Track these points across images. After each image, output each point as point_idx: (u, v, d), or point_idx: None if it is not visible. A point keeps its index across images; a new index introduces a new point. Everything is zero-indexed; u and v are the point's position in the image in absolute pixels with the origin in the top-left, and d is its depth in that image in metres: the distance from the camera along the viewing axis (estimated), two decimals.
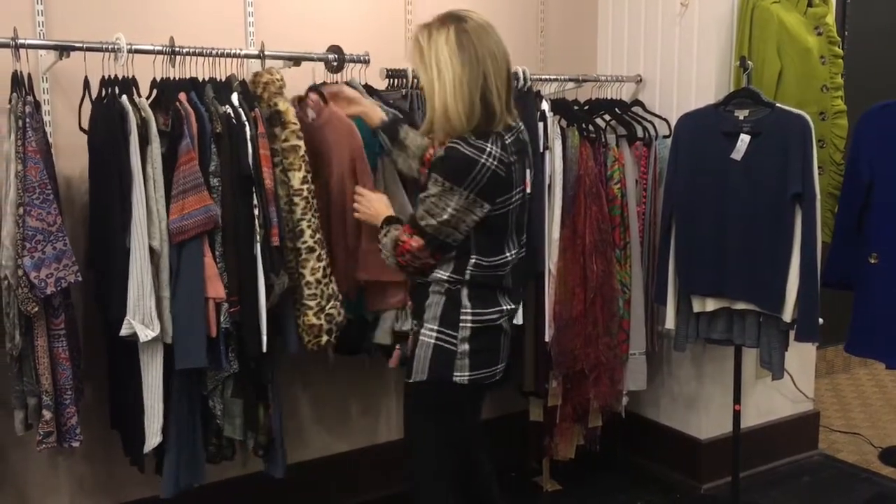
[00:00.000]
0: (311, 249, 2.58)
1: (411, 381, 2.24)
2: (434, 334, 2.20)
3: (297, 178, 2.56)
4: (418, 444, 2.32)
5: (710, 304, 3.04)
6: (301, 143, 2.58)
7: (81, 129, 2.52)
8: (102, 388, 2.71)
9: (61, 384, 2.37)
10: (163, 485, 2.53)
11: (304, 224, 2.57)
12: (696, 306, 3.07)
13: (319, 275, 2.58)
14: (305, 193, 2.56)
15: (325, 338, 2.61)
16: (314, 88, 2.68)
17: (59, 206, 2.34)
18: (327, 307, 2.59)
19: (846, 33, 4.47)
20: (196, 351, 2.41)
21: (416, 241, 2.17)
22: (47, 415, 2.34)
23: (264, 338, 2.53)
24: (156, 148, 2.40)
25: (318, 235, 2.58)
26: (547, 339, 3.10)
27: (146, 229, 2.37)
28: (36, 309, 2.28)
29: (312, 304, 2.58)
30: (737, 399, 3.18)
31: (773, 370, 2.99)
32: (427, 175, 2.22)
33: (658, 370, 3.60)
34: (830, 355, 4.98)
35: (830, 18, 3.22)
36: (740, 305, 2.99)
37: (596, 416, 3.31)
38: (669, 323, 3.14)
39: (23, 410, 2.39)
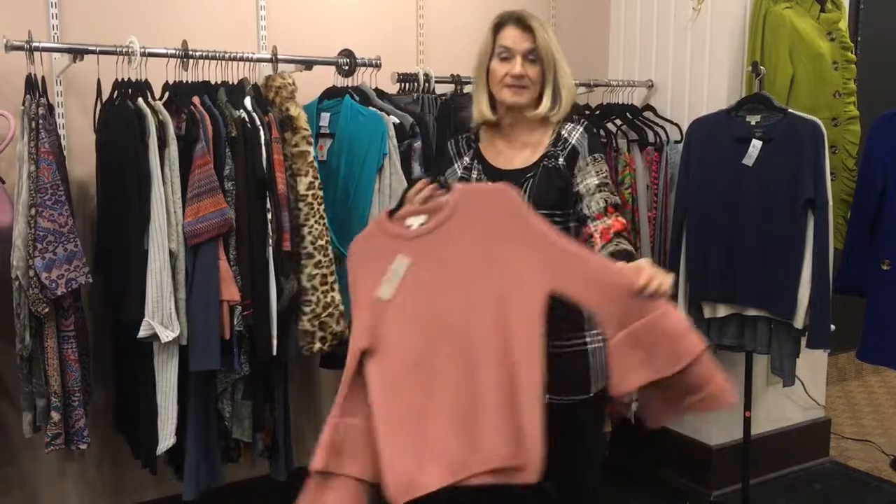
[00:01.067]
0: (309, 256, 2.58)
1: (591, 394, 2.09)
2: (599, 337, 2.07)
3: (303, 183, 2.57)
4: (595, 455, 2.21)
5: (721, 310, 3.02)
6: (310, 148, 2.58)
7: (96, 132, 2.53)
8: (111, 390, 2.71)
9: (70, 386, 2.37)
10: (185, 488, 2.52)
11: (306, 230, 2.58)
12: (707, 312, 3.05)
13: (317, 281, 2.57)
14: (310, 199, 2.56)
15: (317, 345, 2.59)
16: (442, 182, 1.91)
17: (70, 207, 2.35)
18: (322, 315, 2.58)
19: (859, 39, 4.45)
20: (211, 353, 2.42)
21: (624, 218, 2.12)
22: (55, 416, 2.34)
23: (275, 341, 2.53)
24: (173, 150, 2.41)
25: (319, 242, 2.58)
26: None
27: (165, 231, 2.37)
28: (46, 310, 2.28)
29: (307, 310, 2.57)
30: (747, 405, 3.17)
31: (784, 377, 2.98)
32: (572, 160, 2.12)
33: None
34: (842, 362, 4.95)
35: (843, 24, 3.21)
36: (751, 311, 2.97)
37: (605, 422, 3.30)
38: None
39: (31, 412, 2.39)
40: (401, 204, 1.94)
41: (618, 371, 1.69)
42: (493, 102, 2.16)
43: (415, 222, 1.85)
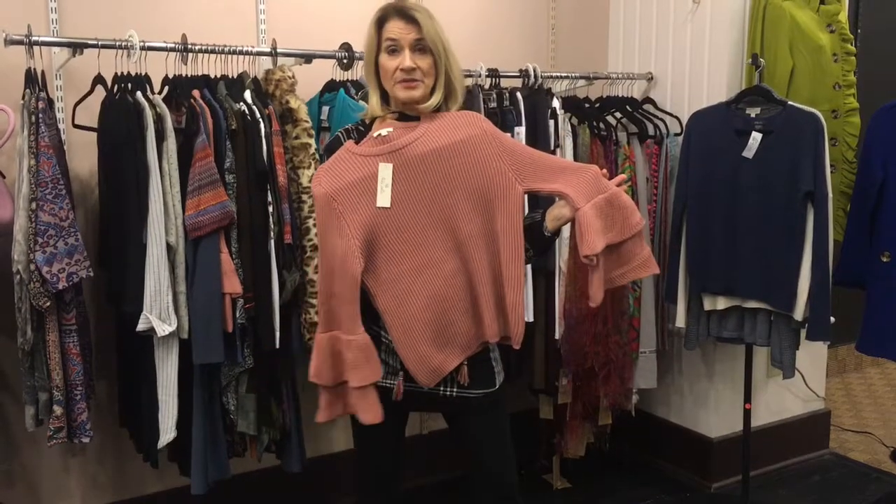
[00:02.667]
0: (316, 247, 2.58)
1: (497, 387, 2.14)
2: (495, 354, 2.17)
3: (306, 175, 2.57)
4: (510, 442, 2.22)
5: (721, 303, 3.03)
6: (312, 140, 2.58)
7: (75, 125, 2.51)
8: (114, 384, 2.72)
9: (72, 380, 2.38)
10: (193, 482, 2.53)
11: (311, 222, 2.58)
12: (707, 304, 3.06)
13: None
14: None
15: None
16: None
17: (71, 201, 2.35)
18: None
19: (859, 31, 4.45)
20: (214, 346, 2.42)
21: None
22: (58, 410, 2.35)
23: (277, 333, 2.53)
24: (171, 143, 2.42)
25: None
26: (557, 336, 3.10)
27: (163, 225, 2.38)
28: (48, 304, 2.29)
29: (315, 302, 2.58)
30: (747, 398, 3.17)
31: (784, 369, 2.98)
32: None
33: (668, 368, 3.59)
34: (842, 354, 4.96)
35: (843, 16, 3.20)
36: (751, 304, 2.98)
37: (606, 414, 3.31)
38: (680, 321, 3.13)
39: (34, 406, 2.40)
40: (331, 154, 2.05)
41: (587, 235, 1.95)
42: (386, 97, 2.06)
43: (383, 131, 1.99)
